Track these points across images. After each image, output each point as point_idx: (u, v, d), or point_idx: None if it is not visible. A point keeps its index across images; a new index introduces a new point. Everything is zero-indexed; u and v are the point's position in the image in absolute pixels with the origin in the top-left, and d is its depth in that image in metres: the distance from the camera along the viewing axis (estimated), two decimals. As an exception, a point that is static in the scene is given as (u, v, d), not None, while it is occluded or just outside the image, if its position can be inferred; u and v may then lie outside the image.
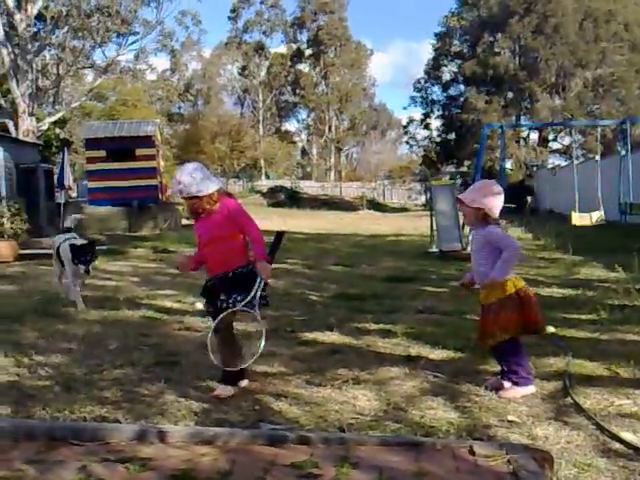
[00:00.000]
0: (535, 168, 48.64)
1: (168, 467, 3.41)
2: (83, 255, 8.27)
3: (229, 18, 75.33)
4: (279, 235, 5.11)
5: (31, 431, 3.85)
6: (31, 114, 31.00)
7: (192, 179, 4.73)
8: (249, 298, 4.71)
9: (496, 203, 4.83)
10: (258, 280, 4.74)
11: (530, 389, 4.72)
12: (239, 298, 4.73)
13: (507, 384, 4.76)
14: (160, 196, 25.22)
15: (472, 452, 3.54)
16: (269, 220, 28.04)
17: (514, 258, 4.79)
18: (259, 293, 4.74)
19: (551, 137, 56.30)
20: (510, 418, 4.23)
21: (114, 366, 5.52)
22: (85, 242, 8.69)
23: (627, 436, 3.89)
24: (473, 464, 3.43)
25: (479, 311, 5.00)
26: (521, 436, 3.96)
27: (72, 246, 8.34)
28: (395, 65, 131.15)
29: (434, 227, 15.35)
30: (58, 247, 8.68)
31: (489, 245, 4.80)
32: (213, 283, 4.91)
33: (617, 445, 3.82)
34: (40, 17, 32.68)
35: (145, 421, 4.12)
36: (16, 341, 6.44)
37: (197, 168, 4.84)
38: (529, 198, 37.14)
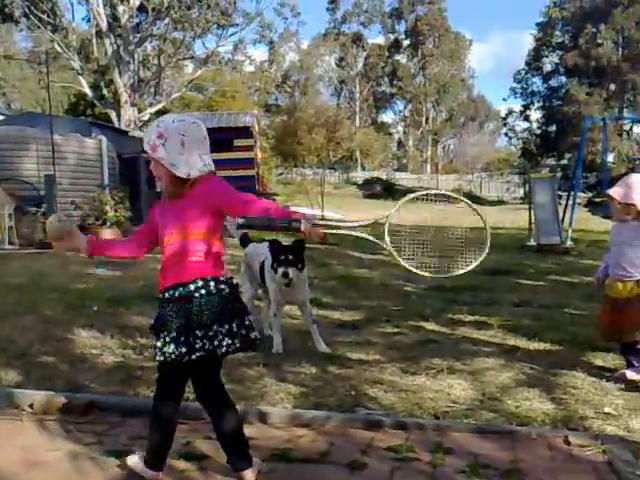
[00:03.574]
0: (638, 162, 47.22)
1: (269, 447, 3.55)
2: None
3: (327, 9, 75.58)
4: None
5: (136, 408, 4.05)
6: (133, 104, 31.83)
7: None
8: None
9: None
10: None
11: None
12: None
13: (631, 373, 4.78)
14: (257, 187, 25.54)
15: (567, 442, 3.57)
16: (362, 212, 28.06)
17: None
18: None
19: (656, 130, 54.58)
20: (606, 410, 4.20)
21: (215, 349, 5.66)
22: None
23: None
24: (568, 453, 3.46)
25: (601, 306, 5.05)
26: (617, 428, 3.93)
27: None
28: (495, 56, 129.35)
29: (532, 220, 15.13)
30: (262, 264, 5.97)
31: None
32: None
33: None
34: (142, 9, 33.48)
35: (246, 402, 4.24)
36: (122, 324, 6.64)
37: None
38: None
